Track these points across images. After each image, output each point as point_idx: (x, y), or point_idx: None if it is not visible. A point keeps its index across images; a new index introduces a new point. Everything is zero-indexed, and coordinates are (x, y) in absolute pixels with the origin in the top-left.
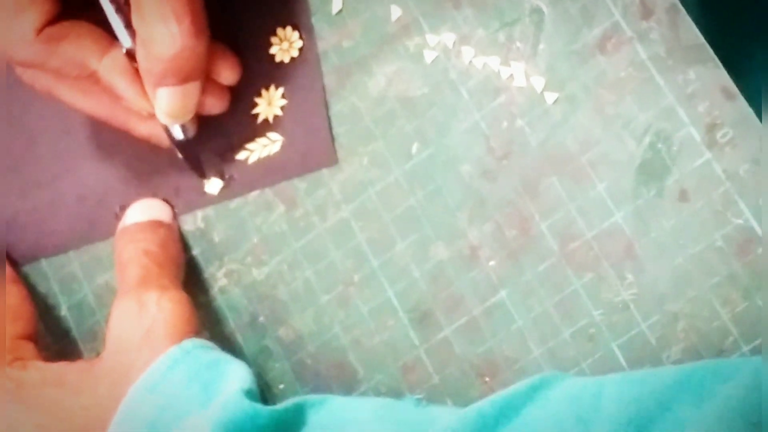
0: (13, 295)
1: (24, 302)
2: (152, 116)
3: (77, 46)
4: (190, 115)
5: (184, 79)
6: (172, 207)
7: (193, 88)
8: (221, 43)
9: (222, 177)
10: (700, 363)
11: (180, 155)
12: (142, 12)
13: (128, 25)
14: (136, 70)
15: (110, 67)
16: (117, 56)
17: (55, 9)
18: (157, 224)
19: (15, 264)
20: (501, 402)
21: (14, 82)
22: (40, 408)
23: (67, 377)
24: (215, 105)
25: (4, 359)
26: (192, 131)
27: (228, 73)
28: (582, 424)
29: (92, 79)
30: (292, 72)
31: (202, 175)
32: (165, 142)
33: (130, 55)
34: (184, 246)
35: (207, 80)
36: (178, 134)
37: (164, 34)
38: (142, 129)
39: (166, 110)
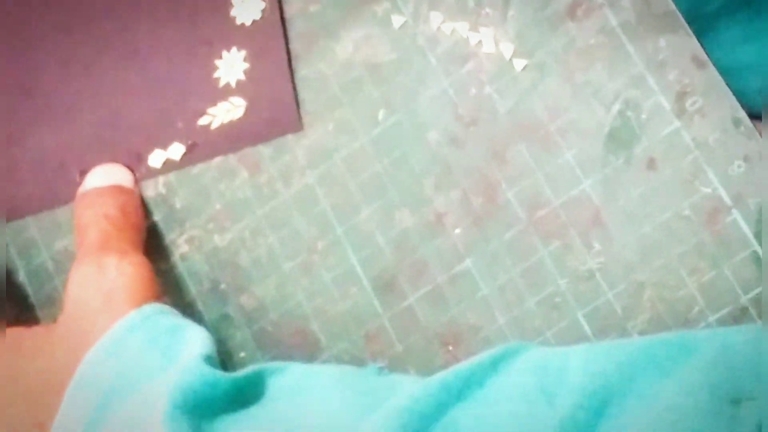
0: None
1: None
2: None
3: None
4: None
5: None
6: (133, 172)
7: None
8: None
9: (184, 142)
10: (665, 335)
11: None
12: None
13: None
14: None
15: None
16: None
17: None
18: (118, 189)
19: None
20: (464, 372)
21: None
22: None
23: (24, 341)
24: None
25: None
26: None
27: None
28: (546, 396)
29: None
30: (254, 34)
31: None
32: None
33: None
34: (146, 212)
35: None
36: None
37: None
38: None
39: None
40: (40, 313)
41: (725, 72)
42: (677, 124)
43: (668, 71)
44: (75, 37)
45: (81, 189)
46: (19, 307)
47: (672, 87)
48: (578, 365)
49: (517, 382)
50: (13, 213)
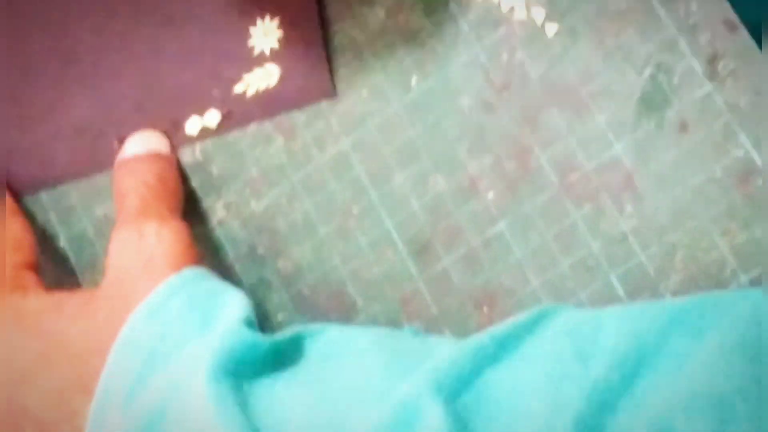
0: (14, 226)
1: (25, 233)
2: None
3: None
4: None
5: None
6: (170, 139)
7: None
8: None
9: (220, 110)
10: (698, 296)
11: None
12: None
13: None
14: None
15: None
16: None
17: None
18: (155, 156)
19: (15, 195)
20: (500, 335)
21: (13, 12)
22: (40, 335)
23: (66, 305)
24: None
25: (5, 287)
26: None
27: None
28: (580, 358)
29: None
30: (287, 2)
31: None
32: None
33: None
34: (183, 178)
35: None
36: None
37: None
38: None
39: None
40: (81, 278)
41: (755, 32)
42: (709, 87)
43: (700, 35)
44: (112, 5)
45: (119, 157)
46: (60, 272)
47: (704, 50)
48: (611, 327)
49: (552, 344)
50: (53, 180)
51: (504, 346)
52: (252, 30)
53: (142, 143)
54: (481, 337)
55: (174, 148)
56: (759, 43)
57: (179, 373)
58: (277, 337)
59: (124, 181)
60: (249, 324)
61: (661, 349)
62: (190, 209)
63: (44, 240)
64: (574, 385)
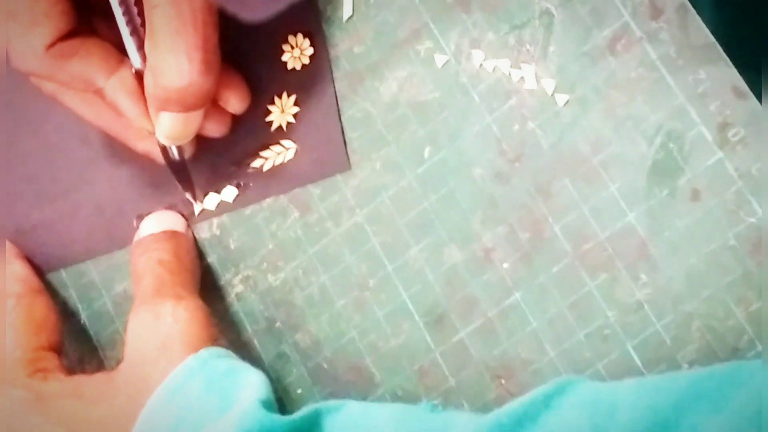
0: (38, 306)
1: (49, 313)
2: (152, 134)
3: (86, 63)
4: (189, 138)
5: (187, 108)
6: (186, 218)
7: (196, 115)
8: (234, 71)
9: (237, 185)
10: (715, 367)
11: (173, 174)
12: (155, 40)
13: (140, 47)
14: (143, 91)
15: (116, 87)
16: (124, 76)
17: (68, 25)
18: (171, 234)
19: (38, 272)
20: (517, 411)
21: (33, 93)
22: (60, 419)
23: (85, 389)
24: (215, 130)
25: (27, 370)
26: (189, 152)
27: (236, 103)
28: None
29: (98, 94)
30: (304, 79)
31: (194, 195)
32: (160, 159)
33: (139, 75)
34: (200, 253)
35: (211, 105)
36: (174, 155)
37: (173, 67)
38: (140, 145)
39: (166, 133)
40: (103, 354)
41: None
42: (720, 154)
43: (709, 102)
44: None
45: (136, 237)
46: (82, 349)
47: (714, 118)
48: (628, 400)
49: (569, 419)
50: (73, 257)
51: (521, 423)
52: (270, 107)
53: (158, 223)
54: (498, 415)
55: (190, 226)
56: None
57: None
58: (295, 416)
59: (140, 261)
60: (267, 404)
61: (679, 423)
62: (208, 284)
63: (65, 317)
64: None
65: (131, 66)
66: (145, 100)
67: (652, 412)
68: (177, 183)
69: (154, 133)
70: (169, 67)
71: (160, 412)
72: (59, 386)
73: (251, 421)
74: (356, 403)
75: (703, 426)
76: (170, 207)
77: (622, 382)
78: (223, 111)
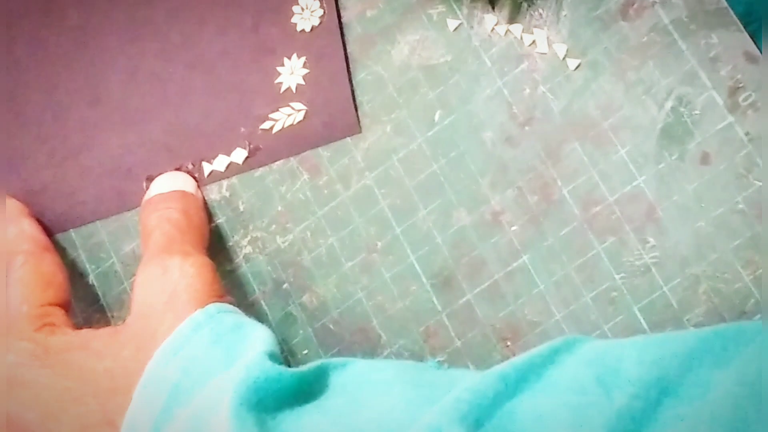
0: (47, 263)
1: (57, 270)
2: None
3: None
4: None
5: None
6: (196, 178)
7: None
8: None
9: (246, 147)
10: (722, 325)
11: None
12: None
13: None
14: None
15: None
16: None
17: None
18: (181, 194)
19: (48, 232)
20: (522, 364)
21: (43, 55)
22: (66, 372)
23: (92, 342)
24: None
25: (34, 325)
26: None
27: None
28: (603, 387)
29: None
30: (313, 41)
31: (493, 4)
32: None
33: None
34: (210, 215)
35: None
36: None
37: None
38: None
39: None
40: (110, 314)
41: None
42: (730, 119)
43: (720, 67)
44: (141, 46)
45: (146, 196)
46: (90, 308)
47: (724, 82)
48: (634, 356)
49: (574, 374)
50: (83, 218)
51: (526, 376)
52: (279, 68)
53: (168, 183)
54: (504, 367)
55: (200, 187)
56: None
57: (204, 407)
58: (302, 369)
59: (149, 219)
60: (273, 357)
61: (684, 378)
62: (217, 245)
63: (73, 277)
64: (597, 415)
65: None
66: None
67: (658, 367)
68: None
69: None
70: None
71: (167, 365)
72: (66, 340)
73: (257, 372)
74: (362, 360)
75: (708, 381)
76: (179, 168)
77: (628, 340)
78: None
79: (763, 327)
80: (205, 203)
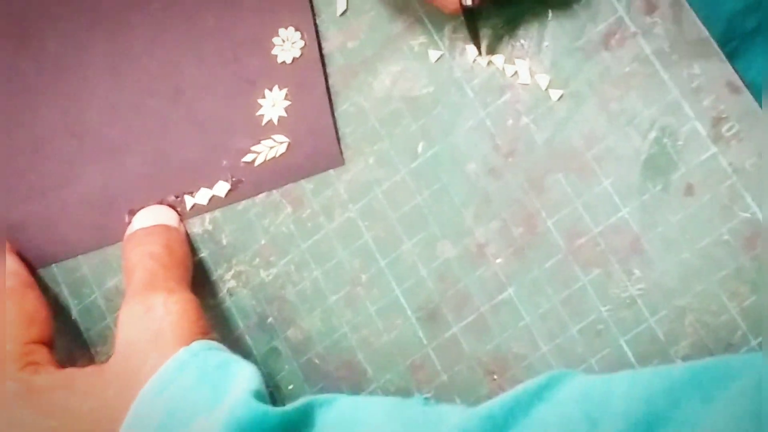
0: (30, 300)
1: (40, 307)
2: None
3: None
4: None
5: None
6: (178, 212)
7: None
8: None
9: (229, 180)
10: (709, 360)
11: (464, 21)
12: None
13: None
14: None
15: None
16: None
17: None
18: (163, 228)
19: (30, 267)
20: (510, 402)
21: (22, 86)
22: (50, 412)
23: (76, 381)
24: None
25: (17, 363)
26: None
27: None
28: (591, 423)
29: None
30: (294, 72)
31: (478, 46)
32: (452, 6)
33: None
34: (192, 249)
35: None
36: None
37: None
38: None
39: None
40: (94, 350)
41: (758, 94)
42: (714, 149)
43: (703, 97)
44: (121, 78)
45: (128, 231)
46: (73, 344)
47: (707, 113)
48: (621, 391)
49: (562, 411)
50: (65, 253)
51: (514, 414)
52: (261, 101)
53: (151, 217)
54: (491, 406)
55: (182, 221)
56: (761, 104)
57: None
58: (288, 408)
59: (132, 255)
60: (259, 396)
61: (672, 414)
62: (201, 279)
63: (56, 312)
64: None
65: None
66: None
67: (646, 403)
68: (466, 29)
69: None
70: None
71: (152, 405)
72: (50, 379)
73: (243, 412)
74: (348, 397)
75: (697, 417)
76: (161, 202)
77: (616, 375)
78: None
79: (765, 356)
80: (188, 236)
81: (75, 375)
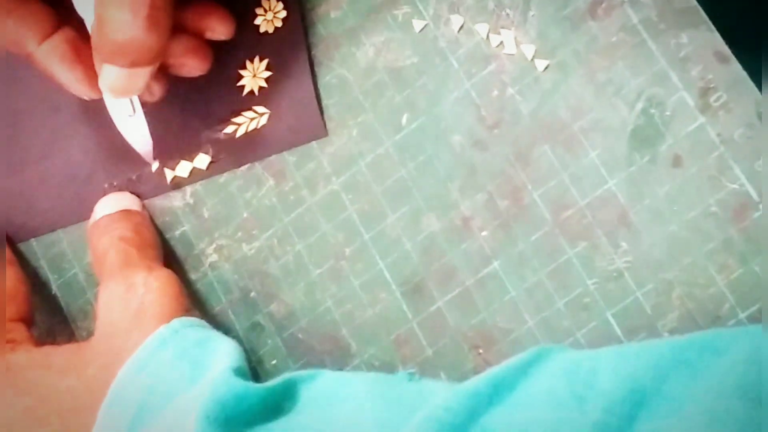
0: (8, 277)
1: (19, 284)
2: (93, 100)
3: (18, 25)
4: (134, 94)
5: (131, 64)
6: (139, 196)
7: (141, 72)
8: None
9: (209, 152)
10: (695, 335)
11: (121, 130)
12: None
13: None
14: (77, 56)
15: (47, 52)
16: (57, 42)
17: None
18: (127, 213)
19: (9, 242)
20: (495, 378)
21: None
22: (28, 390)
23: (54, 359)
24: (196, 67)
25: None
26: (158, 95)
27: (222, 28)
28: (577, 400)
29: (29, 59)
30: (276, 43)
31: (151, 157)
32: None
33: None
34: (173, 223)
35: (192, 39)
36: (127, 110)
37: (117, 19)
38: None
39: (109, 85)
40: (73, 325)
41: (747, 63)
42: (702, 120)
43: (691, 67)
44: None
45: (91, 220)
46: (52, 320)
47: (695, 83)
48: (608, 368)
49: (548, 387)
50: (44, 227)
51: (499, 391)
52: (241, 71)
53: (113, 204)
54: (476, 382)
55: (144, 205)
56: (750, 74)
57: (169, 424)
58: (269, 384)
59: (101, 242)
60: (240, 372)
61: (659, 391)
62: (182, 254)
63: (36, 288)
64: (571, 429)
65: (69, 30)
66: (81, 65)
67: (632, 380)
68: (130, 141)
69: (94, 98)
70: (113, 20)
71: (132, 382)
72: (28, 357)
73: (223, 389)
74: (331, 372)
75: (684, 394)
76: (141, 175)
77: (602, 350)
78: (203, 47)
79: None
80: (152, 220)
81: (54, 353)
